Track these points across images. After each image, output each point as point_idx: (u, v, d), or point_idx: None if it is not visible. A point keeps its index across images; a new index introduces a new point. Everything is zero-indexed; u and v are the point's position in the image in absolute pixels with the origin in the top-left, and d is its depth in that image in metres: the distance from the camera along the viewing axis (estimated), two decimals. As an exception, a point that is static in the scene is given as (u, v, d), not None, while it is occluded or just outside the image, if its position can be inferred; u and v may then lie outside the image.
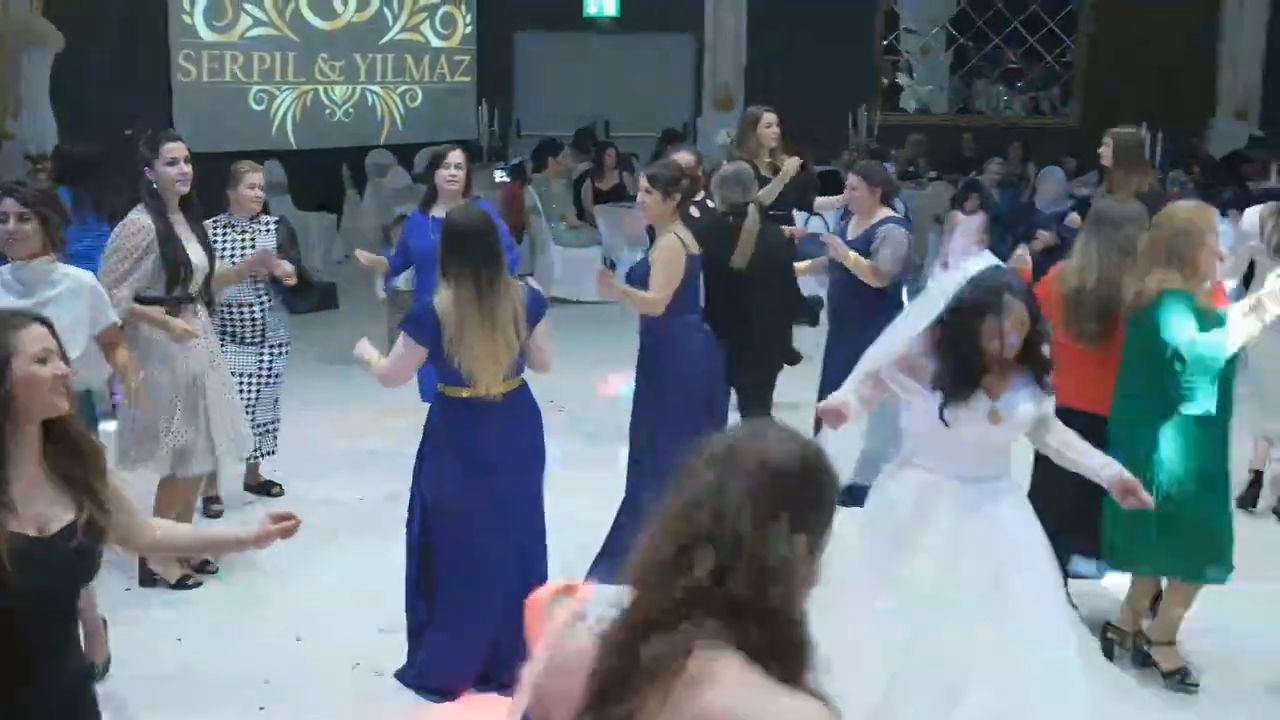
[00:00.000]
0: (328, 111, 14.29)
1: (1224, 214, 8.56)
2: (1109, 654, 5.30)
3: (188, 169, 5.47)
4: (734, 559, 1.84)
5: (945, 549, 4.06)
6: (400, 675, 4.83)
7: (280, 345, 6.49)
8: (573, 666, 1.99)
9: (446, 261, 4.66)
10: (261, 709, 4.65)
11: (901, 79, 17.11)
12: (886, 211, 6.63)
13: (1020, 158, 13.57)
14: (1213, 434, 5.09)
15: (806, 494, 1.95)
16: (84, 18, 11.87)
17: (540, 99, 16.17)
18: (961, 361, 3.96)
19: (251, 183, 6.33)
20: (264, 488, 6.82)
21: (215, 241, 5.99)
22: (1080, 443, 4.22)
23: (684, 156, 6.78)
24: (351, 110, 14.52)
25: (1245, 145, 13.79)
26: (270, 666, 4.95)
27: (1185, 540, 5.01)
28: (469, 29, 15.56)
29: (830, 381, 5.63)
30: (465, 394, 4.63)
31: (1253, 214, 7.04)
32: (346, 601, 5.37)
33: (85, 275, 4.95)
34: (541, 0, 15.63)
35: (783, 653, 1.86)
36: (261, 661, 4.99)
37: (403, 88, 15.00)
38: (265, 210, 6.53)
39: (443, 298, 4.60)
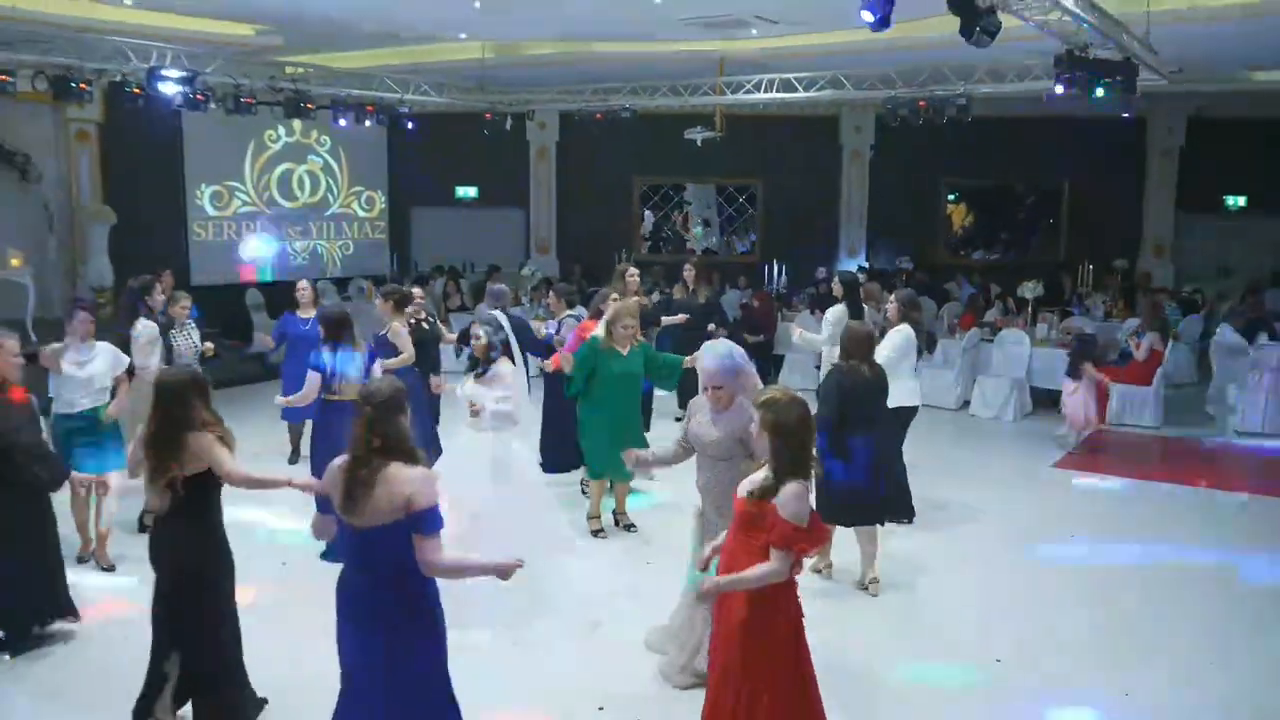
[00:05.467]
0: (291, 256, 17.88)
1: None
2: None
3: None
4: (383, 436, 3.82)
5: None
6: None
7: None
8: (335, 479, 3.87)
9: (325, 331, 7.12)
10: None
11: (697, 232, 20.42)
12: (567, 310, 9.06)
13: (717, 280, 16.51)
14: (619, 410, 7.26)
15: (389, 411, 3.86)
16: (129, 203, 15.13)
17: (428, 248, 19.57)
18: None
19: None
20: None
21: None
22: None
23: (412, 290, 8.86)
24: (307, 256, 18.08)
25: (856, 270, 16.56)
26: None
27: (610, 457, 6.87)
28: (383, 205, 19.20)
29: None
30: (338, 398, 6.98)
31: (837, 309, 9.30)
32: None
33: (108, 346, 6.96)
34: (429, 187, 19.22)
35: (406, 456, 3.85)
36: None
37: (340, 241, 18.60)
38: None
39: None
